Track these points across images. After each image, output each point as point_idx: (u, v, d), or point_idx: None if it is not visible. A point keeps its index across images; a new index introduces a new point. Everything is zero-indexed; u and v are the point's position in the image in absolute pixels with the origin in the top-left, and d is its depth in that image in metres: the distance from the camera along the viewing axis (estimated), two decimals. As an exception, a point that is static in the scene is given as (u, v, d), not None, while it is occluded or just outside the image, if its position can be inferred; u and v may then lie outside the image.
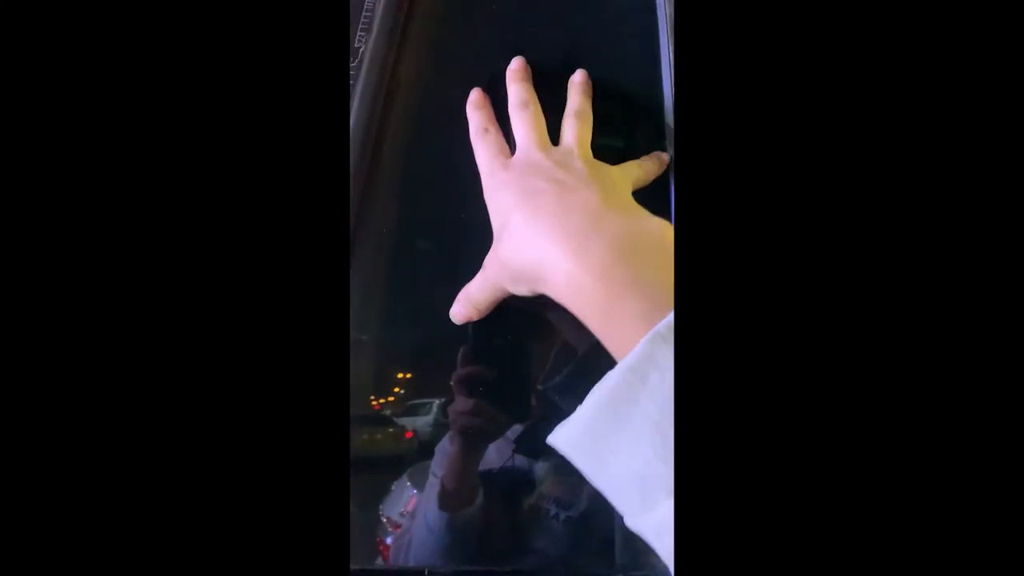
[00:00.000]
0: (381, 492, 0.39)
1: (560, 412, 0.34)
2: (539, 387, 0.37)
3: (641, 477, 0.26)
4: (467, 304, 0.37)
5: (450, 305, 0.38)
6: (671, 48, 0.42)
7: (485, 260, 0.36)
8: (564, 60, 0.43)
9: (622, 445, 0.26)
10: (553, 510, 0.36)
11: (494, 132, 0.39)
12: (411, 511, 0.37)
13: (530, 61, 0.42)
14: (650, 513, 0.26)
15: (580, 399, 0.32)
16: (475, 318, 0.37)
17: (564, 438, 0.29)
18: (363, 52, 0.44)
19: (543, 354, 0.37)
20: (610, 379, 0.27)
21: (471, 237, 0.39)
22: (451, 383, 0.38)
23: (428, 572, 0.35)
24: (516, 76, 0.41)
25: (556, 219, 0.32)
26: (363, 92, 0.43)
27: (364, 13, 0.45)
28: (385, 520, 0.38)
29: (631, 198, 0.36)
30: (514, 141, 0.39)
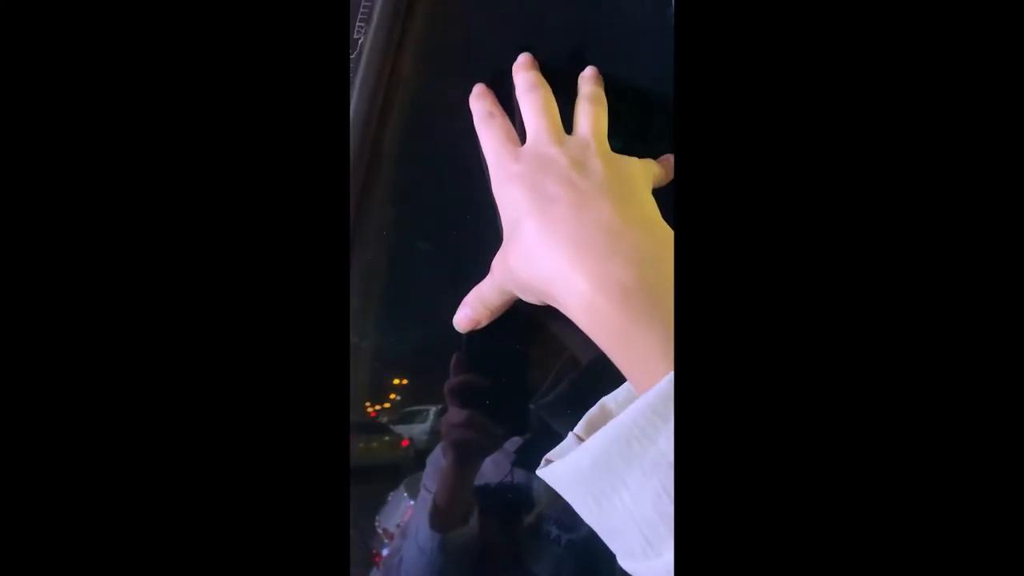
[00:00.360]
0: (377, 502, 0.38)
1: (552, 432, 0.33)
2: (531, 405, 0.35)
3: (647, 519, 0.24)
4: (477, 307, 0.35)
5: (449, 308, 0.36)
6: None
7: (493, 263, 0.34)
8: (572, 55, 0.40)
9: (630, 484, 0.24)
10: (554, 532, 0.34)
11: (500, 117, 0.36)
12: (406, 523, 0.36)
13: (536, 57, 0.40)
14: (655, 559, 0.24)
15: (573, 419, 0.31)
16: (484, 322, 0.35)
17: (558, 475, 0.27)
18: (362, 44, 0.42)
19: (543, 361, 0.35)
20: (627, 415, 0.25)
21: (472, 238, 0.37)
22: (444, 393, 0.36)
23: None
24: (523, 66, 0.38)
25: (572, 235, 0.29)
26: (361, 86, 0.41)
27: (363, 3, 0.43)
28: (381, 531, 0.37)
29: (652, 202, 0.33)
30: (522, 129, 0.36)
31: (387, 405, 0.39)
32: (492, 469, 0.35)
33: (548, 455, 0.29)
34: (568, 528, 0.33)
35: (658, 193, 0.36)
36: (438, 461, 0.35)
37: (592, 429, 0.27)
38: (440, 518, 0.34)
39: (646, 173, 0.34)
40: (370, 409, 0.39)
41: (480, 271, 0.35)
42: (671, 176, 0.37)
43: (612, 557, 0.28)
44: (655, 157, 0.37)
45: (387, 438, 0.39)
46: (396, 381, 0.39)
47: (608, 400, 0.31)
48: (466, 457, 0.35)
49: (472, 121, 0.38)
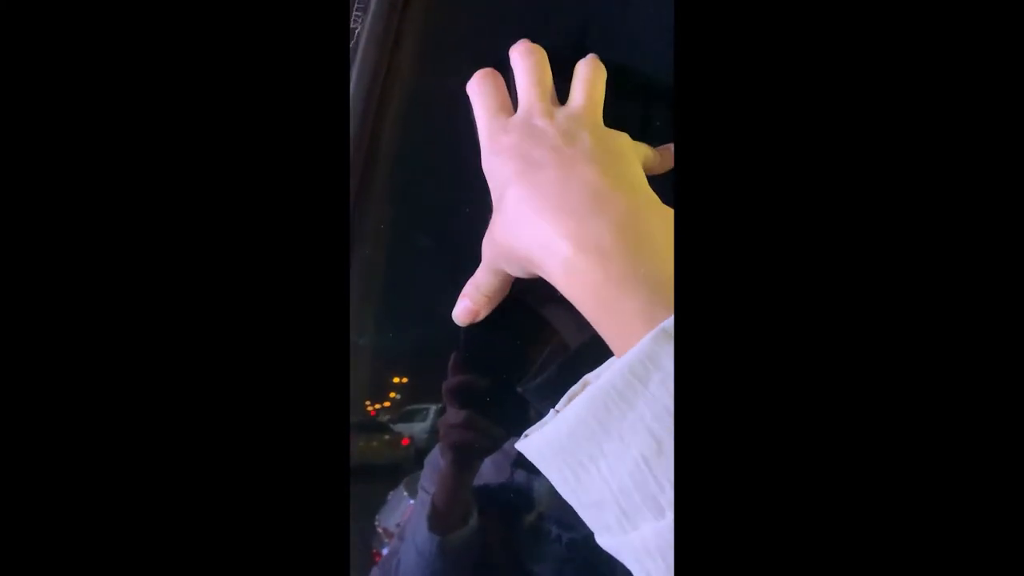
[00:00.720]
0: (377, 501, 0.38)
1: (539, 416, 0.32)
2: (518, 389, 0.34)
3: (624, 490, 0.23)
4: (474, 295, 0.34)
5: (449, 306, 0.36)
6: None
7: (483, 244, 0.34)
8: (571, 46, 0.41)
9: (608, 452, 0.24)
10: (555, 531, 0.33)
11: (494, 84, 0.36)
12: (405, 523, 0.36)
13: (536, 42, 0.40)
14: (632, 532, 0.23)
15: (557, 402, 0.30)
16: (483, 312, 0.34)
17: (535, 445, 0.27)
18: (359, 33, 0.42)
19: (543, 361, 0.35)
20: (605, 378, 0.24)
21: (471, 234, 0.36)
22: (442, 393, 0.35)
23: None
24: (520, 41, 0.37)
25: (554, 198, 0.29)
26: (359, 77, 0.40)
27: (360, -8, 0.43)
28: (381, 530, 0.37)
29: (640, 173, 0.32)
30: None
31: (387, 404, 0.39)
32: (492, 470, 0.34)
33: (528, 431, 0.29)
34: (569, 527, 0.33)
35: (657, 183, 0.35)
36: (436, 462, 0.35)
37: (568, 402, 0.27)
38: (439, 520, 0.34)
39: (636, 149, 0.34)
40: (370, 408, 0.39)
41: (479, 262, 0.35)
42: (666, 166, 0.36)
43: (613, 557, 0.27)
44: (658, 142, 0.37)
45: (387, 437, 0.39)
46: (396, 380, 0.39)
47: (590, 376, 0.30)
48: (465, 458, 0.35)
49: (471, 114, 0.37)
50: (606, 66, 0.38)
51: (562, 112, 0.33)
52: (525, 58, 0.35)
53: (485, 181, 0.35)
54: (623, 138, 0.34)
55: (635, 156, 0.33)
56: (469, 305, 0.34)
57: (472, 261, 0.35)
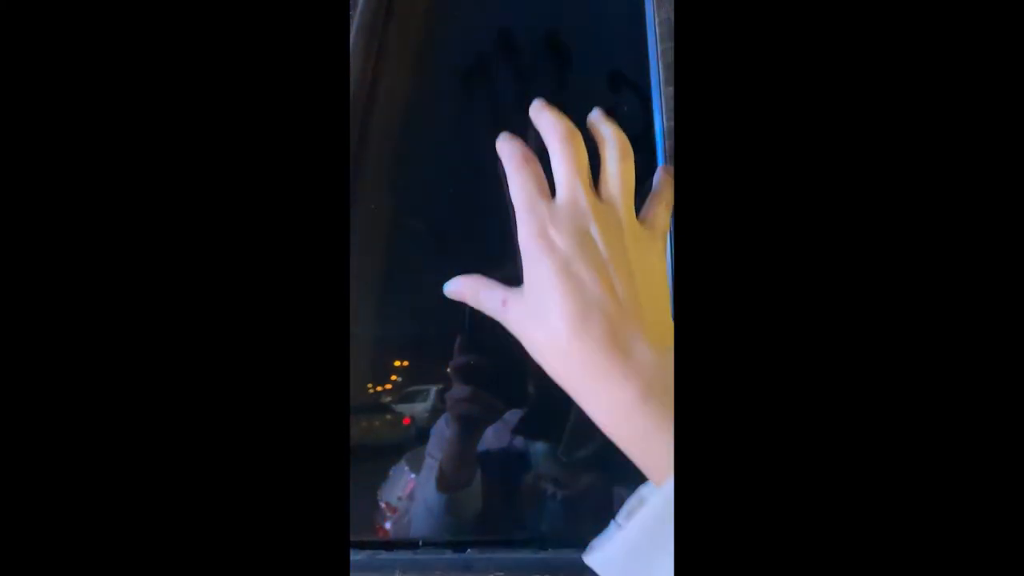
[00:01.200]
0: (380, 479, 0.39)
1: (551, 411, 0.36)
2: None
3: None
4: (472, 297, 0.35)
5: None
6: (659, 44, 0.41)
7: (511, 300, 0.33)
8: (548, 37, 0.43)
9: (662, 565, 0.27)
10: (551, 489, 0.37)
11: (535, 165, 0.34)
12: (409, 495, 0.38)
13: (513, 37, 0.42)
14: None
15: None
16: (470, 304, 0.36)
17: (601, 560, 0.30)
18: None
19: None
20: (651, 505, 0.28)
21: (467, 218, 0.39)
22: (448, 371, 0.38)
23: (422, 543, 0.36)
24: (549, 109, 0.35)
25: (600, 350, 0.31)
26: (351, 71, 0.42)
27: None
28: (384, 505, 0.39)
29: (666, 297, 0.34)
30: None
31: (389, 386, 0.41)
32: (493, 437, 0.37)
33: (592, 542, 0.31)
34: (563, 486, 0.36)
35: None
36: (442, 431, 0.38)
37: (631, 517, 0.30)
38: (446, 481, 0.37)
39: (664, 237, 0.35)
40: (372, 390, 0.41)
41: (475, 252, 0.37)
42: (668, 211, 0.37)
43: (604, 506, 0.30)
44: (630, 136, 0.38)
45: (389, 417, 0.40)
46: (397, 363, 0.41)
47: (643, 488, 0.32)
48: (469, 427, 0.37)
49: (460, 108, 0.40)
50: (593, 64, 0.41)
51: (606, 211, 0.34)
52: (567, 144, 0.34)
53: (477, 166, 0.37)
54: (656, 240, 0.35)
55: (663, 252, 0.35)
56: (463, 292, 0.36)
57: (469, 246, 0.38)
